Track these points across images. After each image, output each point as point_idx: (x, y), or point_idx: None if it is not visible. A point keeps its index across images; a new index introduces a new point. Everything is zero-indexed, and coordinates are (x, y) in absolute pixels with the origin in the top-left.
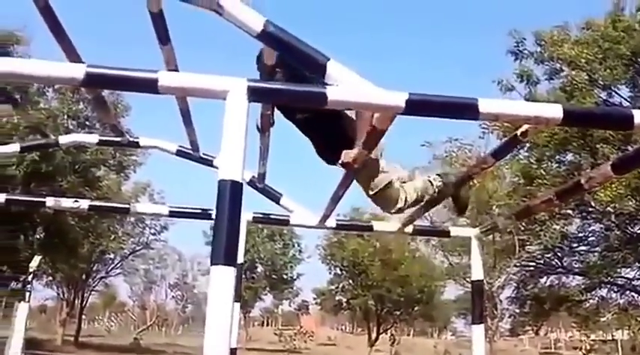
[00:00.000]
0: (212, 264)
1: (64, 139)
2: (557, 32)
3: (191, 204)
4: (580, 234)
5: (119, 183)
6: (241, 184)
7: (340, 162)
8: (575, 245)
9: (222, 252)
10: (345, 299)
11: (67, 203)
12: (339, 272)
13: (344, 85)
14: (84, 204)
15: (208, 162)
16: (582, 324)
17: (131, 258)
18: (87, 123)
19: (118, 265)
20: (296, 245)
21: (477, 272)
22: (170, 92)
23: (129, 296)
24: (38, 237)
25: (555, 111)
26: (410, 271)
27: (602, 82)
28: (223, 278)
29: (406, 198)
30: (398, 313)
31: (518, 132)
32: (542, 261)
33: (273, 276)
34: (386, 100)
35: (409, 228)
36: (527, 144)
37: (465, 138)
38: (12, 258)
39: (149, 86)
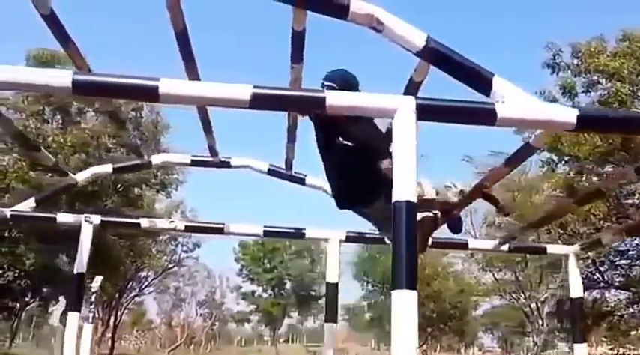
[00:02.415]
0: (393, 288)
1: (156, 159)
2: (595, 44)
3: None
4: (621, 248)
5: (153, 201)
6: (415, 204)
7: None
8: (616, 258)
9: (403, 276)
10: (376, 316)
11: (162, 223)
12: (370, 288)
13: (512, 102)
14: (179, 224)
15: (300, 181)
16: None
17: (163, 276)
18: (127, 142)
19: (151, 283)
20: (324, 261)
21: (576, 290)
22: (341, 111)
23: (157, 313)
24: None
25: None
26: (443, 287)
27: None
28: (406, 301)
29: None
30: (430, 329)
31: (531, 139)
32: (583, 275)
33: (302, 293)
34: (556, 116)
35: (505, 246)
36: (566, 157)
37: (508, 151)
38: (53, 276)
39: (319, 105)
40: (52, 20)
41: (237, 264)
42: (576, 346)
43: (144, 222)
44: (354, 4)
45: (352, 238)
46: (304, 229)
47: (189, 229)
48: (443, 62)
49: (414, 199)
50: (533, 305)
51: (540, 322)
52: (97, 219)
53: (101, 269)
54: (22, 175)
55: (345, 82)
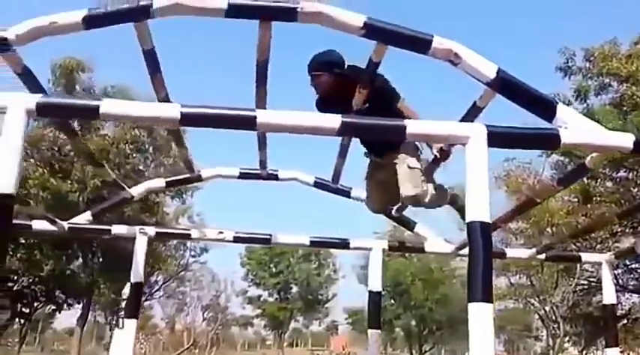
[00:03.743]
0: (470, 301)
1: (206, 173)
2: (608, 47)
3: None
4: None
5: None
6: (490, 224)
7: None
8: (630, 262)
9: (479, 290)
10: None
11: (211, 233)
12: None
13: (574, 128)
14: (228, 234)
15: (345, 193)
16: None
17: (170, 281)
18: (142, 147)
19: (161, 287)
20: (331, 264)
21: (609, 297)
22: (416, 138)
23: (161, 318)
24: (97, 261)
25: (626, 140)
26: (452, 290)
27: None
28: (482, 314)
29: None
30: (439, 333)
31: (587, 160)
32: (596, 279)
33: (309, 297)
34: (614, 141)
35: (542, 255)
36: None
37: (524, 157)
38: (67, 282)
39: (398, 132)
40: (150, 54)
41: (243, 269)
42: (608, 350)
43: (194, 233)
44: (435, 40)
45: (394, 247)
46: (348, 239)
47: (237, 239)
48: (510, 91)
49: (488, 220)
50: (548, 308)
51: (556, 325)
52: (151, 230)
53: (118, 275)
54: (43, 182)
55: (332, 64)
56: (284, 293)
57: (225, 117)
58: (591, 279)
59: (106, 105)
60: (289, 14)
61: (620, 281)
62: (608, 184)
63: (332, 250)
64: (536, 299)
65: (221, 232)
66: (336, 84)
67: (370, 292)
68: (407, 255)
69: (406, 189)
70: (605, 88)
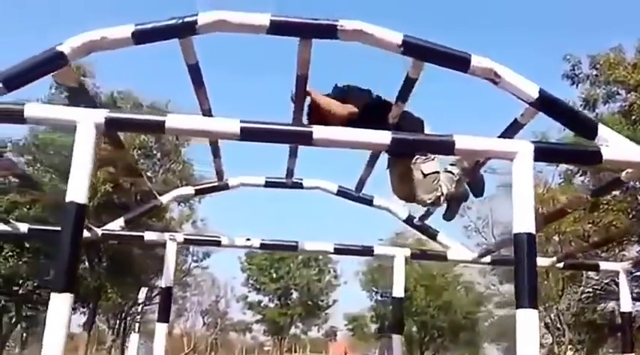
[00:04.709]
0: (518, 307)
1: (233, 181)
2: (614, 55)
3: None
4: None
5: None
6: (534, 235)
7: None
8: (633, 270)
9: (526, 297)
10: (383, 326)
11: (239, 241)
12: (379, 298)
13: (614, 146)
14: (255, 242)
15: (368, 202)
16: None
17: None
18: (150, 153)
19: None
20: (331, 271)
21: (626, 304)
22: (463, 154)
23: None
24: (105, 265)
25: None
26: (454, 297)
27: None
28: (529, 319)
29: (441, 187)
30: (441, 340)
31: (623, 175)
32: (599, 287)
33: (309, 303)
34: None
35: (560, 264)
36: (580, 170)
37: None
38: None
39: (447, 148)
40: (194, 69)
41: (244, 274)
42: None
43: (224, 240)
44: (474, 59)
45: (416, 255)
46: (372, 247)
47: (263, 246)
48: (553, 110)
49: (534, 231)
50: (553, 316)
51: (560, 333)
52: (180, 237)
53: (124, 279)
54: (53, 188)
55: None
56: (284, 299)
57: (283, 132)
58: (596, 287)
59: (171, 120)
60: (330, 32)
61: None
62: (614, 192)
63: (334, 257)
64: (542, 306)
65: (248, 239)
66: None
67: (393, 298)
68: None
69: (420, 195)
70: (613, 96)
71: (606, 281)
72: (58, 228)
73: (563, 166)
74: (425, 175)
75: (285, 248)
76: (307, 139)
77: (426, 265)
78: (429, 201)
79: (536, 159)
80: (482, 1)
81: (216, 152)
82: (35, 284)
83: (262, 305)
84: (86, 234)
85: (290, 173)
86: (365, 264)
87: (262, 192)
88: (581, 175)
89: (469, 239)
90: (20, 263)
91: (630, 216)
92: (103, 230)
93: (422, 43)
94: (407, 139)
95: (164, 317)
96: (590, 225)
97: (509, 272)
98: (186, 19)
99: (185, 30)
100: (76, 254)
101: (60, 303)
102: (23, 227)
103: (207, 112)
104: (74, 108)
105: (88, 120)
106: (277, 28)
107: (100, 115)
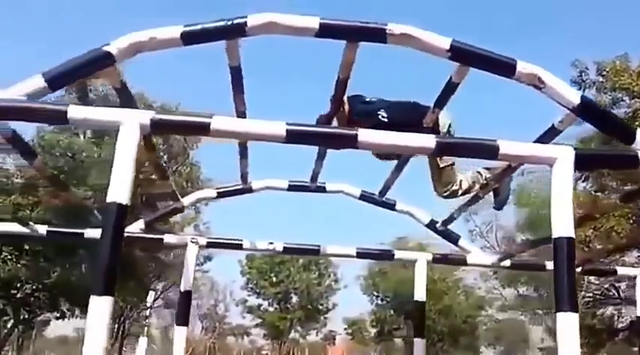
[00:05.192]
0: (558, 310)
1: (256, 185)
2: (620, 62)
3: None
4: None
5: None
6: (573, 239)
7: None
8: None
9: (566, 300)
10: (383, 330)
11: (261, 245)
12: (379, 302)
13: None
14: (278, 245)
15: (390, 206)
16: None
17: (169, 289)
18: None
19: (158, 297)
20: (331, 275)
21: None
22: (508, 159)
23: (156, 328)
24: None
25: None
26: (454, 301)
27: None
28: (570, 322)
29: (461, 182)
30: (440, 345)
31: None
32: (599, 292)
33: (309, 307)
34: None
35: (578, 268)
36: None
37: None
38: (73, 290)
39: (491, 152)
40: (236, 71)
41: (243, 278)
42: None
43: (245, 243)
44: (519, 64)
45: (438, 259)
46: (393, 251)
47: (286, 250)
48: (593, 116)
49: (573, 235)
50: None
51: None
52: (202, 240)
53: (126, 283)
54: (56, 190)
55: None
56: (284, 303)
57: (328, 134)
58: (596, 293)
59: (217, 122)
60: (378, 36)
61: (622, 293)
62: (613, 196)
63: (334, 260)
64: (541, 311)
65: (271, 243)
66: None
67: (416, 302)
68: (407, 265)
69: (437, 188)
70: (618, 103)
71: (606, 286)
72: (77, 231)
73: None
74: (440, 168)
75: (308, 252)
76: (352, 142)
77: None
78: (443, 194)
79: (576, 165)
80: (490, 4)
81: (243, 154)
82: (34, 287)
83: (262, 309)
84: None
85: (315, 177)
86: (366, 268)
87: (262, 196)
88: (583, 181)
89: (473, 243)
90: (19, 266)
91: (631, 221)
92: (124, 232)
93: (470, 48)
94: (451, 143)
95: (183, 320)
96: (591, 231)
97: (512, 277)
98: (236, 21)
99: (234, 31)
100: (117, 256)
101: (100, 306)
102: (42, 229)
103: (241, 115)
104: (118, 109)
105: (132, 122)
106: (326, 31)
107: (146, 117)
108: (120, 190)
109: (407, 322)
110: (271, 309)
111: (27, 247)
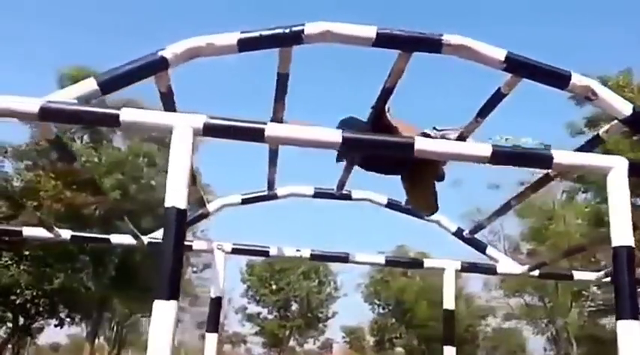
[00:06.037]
0: (619, 318)
1: (282, 191)
2: (622, 77)
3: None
4: None
5: None
6: (633, 248)
7: None
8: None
9: (628, 308)
10: (386, 338)
11: (289, 251)
12: (381, 311)
13: None
14: (305, 252)
15: (418, 215)
16: None
17: None
18: (155, 161)
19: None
20: (332, 282)
21: None
22: (560, 168)
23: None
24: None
25: None
26: (457, 310)
27: None
28: (631, 330)
29: None
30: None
31: None
32: (602, 301)
33: (309, 315)
34: None
35: (607, 278)
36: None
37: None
38: (75, 297)
39: (546, 162)
40: (283, 78)
41: (244, 285)
42: None
43: (272, 250)
44: (574, 77)
45: (467, 268)
46: (422, 260)
47: (314, 257)
48: None
49: (632, 244)
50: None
51: (570, 347)
52: (228, 246)
53: (130, 290)
54: (56, 195)
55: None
56: (284, 311)
57: (384, 142)
58: (600, 303)
59: (272, 129)
60: (434, 46)
61: None
62: None
63: (334, 268)
64: (545, 320)
65: (298, 250)
66: None
67: (445, 310)
68: (409, 273)
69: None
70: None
71: (608, 295)
72: (102, 236)
73: (568, 184)
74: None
75: (336, 259)
76: (409, 150)
77: (428, 278)
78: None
79: (630, 174)
80: (492, 15)
81: (273, 161)
82: (34, 293)
83: (261, 317)
84: (132, 241)
85: (341, 184)
86: (367, 276)
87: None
88: (583, 192)
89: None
90: (21, 271)
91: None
92: (149, 238)
93: (525, 60)
94: (506, 153)
95: (214, 327)
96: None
97: (519, 286)
98: (294, 29)
99: (291, 39)
100: (180, 260)
101: (165, 311)
102: (65, 233)
103: (279, 120)
104: (171, 113)
105: (185, 125)
106: (383, 41)
107: (199, 120)
108: (177, 195)
109: (408, 330)
110: (270, 317)
111: (27, 253)
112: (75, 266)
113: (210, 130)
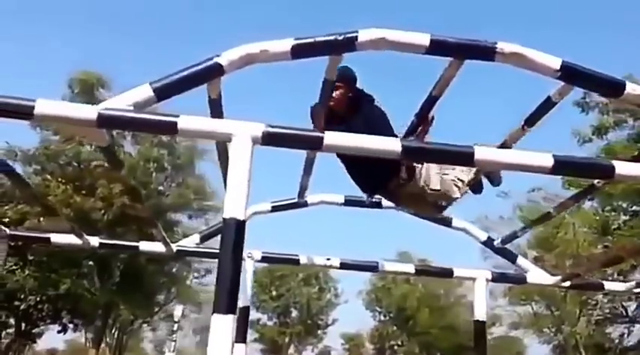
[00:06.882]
0: None
1: (312, 199)
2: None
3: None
4: None
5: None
6: None
7: None
8: None
9: None
10: (387, 346)
11: (319, 260)
12: (382, 318)
13: None
14: (335, 261)
15: (447, 223)
16: None
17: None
18: (164, 166)
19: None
20: (332, 289)
21: None
22: (624, 179)
23: (150, 341)
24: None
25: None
26: (458, 317)
27: None
28: None
29: (457, 178)
30: None
31: None
32: (607, 310)
33: (308, 322)
34: None
35: (638, 289)
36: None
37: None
38: (79, 302)
39: (607, 172)
40: (328, 84)
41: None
42: None
43: (302, 258)
44: (628, 86)
45: (497, 278)
46: (452, 269)
47: (343, 266)
48: None
49: None
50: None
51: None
52: (257, 254)
53: (135, 296)
54: (66, 199)
55: (355, 81)
56: (283, 317)
57: (444, 151)
58: (606, 311)
59: (330, 137)
60: (488, 54)
61: (630, 312)
62: (624, 217)
63: (335, 275)
64: (553, 329)
65: (328, 259)
66: (348, 101)
67: (476, 321)
68: (411, 280)
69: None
70: (621, 124)
71: (614, 304)
72: (128, 243)
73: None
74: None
75: (365, 268)
76: (469, 160)
77: (429, 285)
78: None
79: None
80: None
81: (308, 170)
82: (38, 299)
83: (261, 323)
84: (161, 249)
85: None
86: (368, 283)
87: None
88: (589, 200)
89: (485, 261)
90: (26, 276)
91: None
92: (177, 246)
93: (580, 69)
94: (568, 161)
95: (242, 337)
96: (604, 249)
97: (521, 295)
98: (347, 35)
99: (344, 46)
100: (238, 273)
101: (223, 325)
102: (94, 241)
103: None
104: (229, 120)
105: (244, 133)
106: (436, 48)
107: (258, 128)
108: (236, 205)
109: (410, 338)
110: (270, 323)
111: (32, 258)
112: (80, 272)
113: (269, 139)
